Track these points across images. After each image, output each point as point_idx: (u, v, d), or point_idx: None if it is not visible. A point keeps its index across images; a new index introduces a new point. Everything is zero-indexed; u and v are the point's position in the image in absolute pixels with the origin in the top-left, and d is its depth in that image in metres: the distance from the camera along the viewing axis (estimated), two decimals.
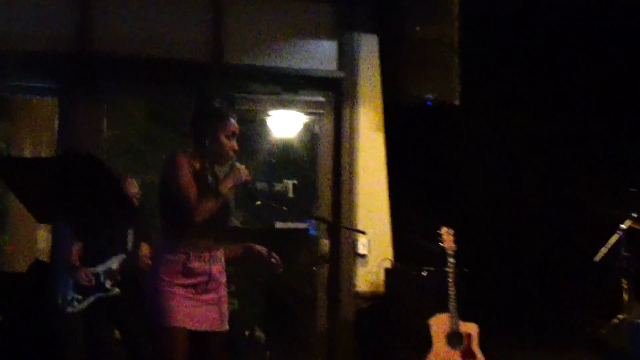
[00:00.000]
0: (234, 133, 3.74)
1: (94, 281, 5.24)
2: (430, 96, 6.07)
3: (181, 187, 3.53)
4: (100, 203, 3.54)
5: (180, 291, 3.59)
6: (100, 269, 5.27)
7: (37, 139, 7.42)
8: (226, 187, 3.62)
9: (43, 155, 7.12)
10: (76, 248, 5.33)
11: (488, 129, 6.30)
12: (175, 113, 7.41)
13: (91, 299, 5.24)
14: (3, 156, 6.97)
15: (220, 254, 3.74)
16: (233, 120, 3.77)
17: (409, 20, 6.08)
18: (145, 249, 5.29)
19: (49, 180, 3.47)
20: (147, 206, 5.63)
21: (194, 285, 3.63)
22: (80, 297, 5.22)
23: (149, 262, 5.09)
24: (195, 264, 3.62)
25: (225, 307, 3.72)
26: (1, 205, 7.75)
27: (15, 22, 6.04)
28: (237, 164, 3.68)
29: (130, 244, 5.36)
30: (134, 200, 5.33)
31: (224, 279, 3.75)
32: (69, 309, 5.20)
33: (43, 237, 7.16)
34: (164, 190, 3.60)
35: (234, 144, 3.72)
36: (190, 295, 3.61)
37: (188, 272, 3.61)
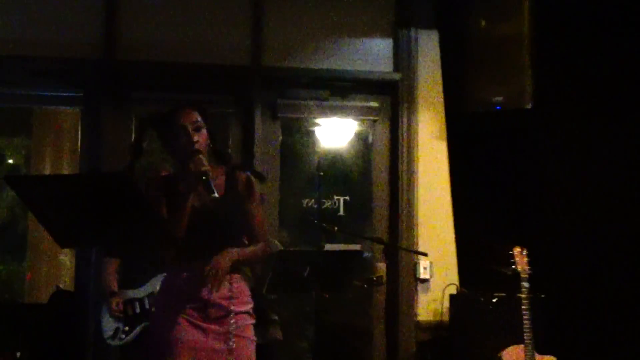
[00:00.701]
0: (183, 127, 3.64)
1: (138, 308, 5.24)
2: (498, 99, 6.02)
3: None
4: (133, 227, 3.49)
5: (176, 319, 3.58)
6: (142, 293, 5.29)
7: (58, 153, 7.48)
8: (187, 188, 3.54)
9: (64, 170, 7.15)
10: (113, 268, 5.34)
11: (565, 135, 6.19)
12: (211, 124, 7.36)
13: (137, 329, 5.24)
14: (22, 173, 7.05)
15: (228, 277, 3.65)
16: (180, 112, 3.68)
17: (474, 14, 6.04)
18: None
19: (74, 201, 3.40)
20: None
21: (190, 311, 3.59)
22: (127, 328, 5.23)
23: None
24: (187, 285, 3.60)
25: (243, 343, 3.61)
26: (20, 229, 7.85)
27: (36, 27, 6.12)
28: (196, 157, 3.59)
29: None
30: None
31: (240, 307, 3.65)
32: (115, 342, 5.20)
33: (65, 263, 7.21)
34: None
35: (189, 137, 3.62)
36: (189, 321, 3.57)
37: (181, 295, 3.61)
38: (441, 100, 6.48)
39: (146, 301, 5.26)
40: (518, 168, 6.30)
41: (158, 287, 5.15)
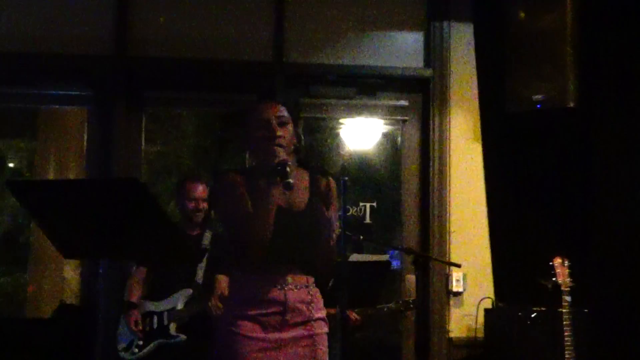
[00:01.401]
0: (266, 120, 3.58)
1: (155, 323, 5.26)
2: (539, 98, 5.96)
3: (227, 211, 3.55)
4: (147, 238, 3.49)
5: (249, 327, 3.49)
6: (162, 307, 5.30)
7: (63, 156, 7.51)
8: (268, 184, 3.46)
9: (70, 175, 7.19)
10: (139, 277, 5.40)
11: (612, 136, 6.14)
12: (229, 125, 7.41)
13: (152, 345, 5.27)
14: (23, 178, 7.09)
15: (303, 280, 3.59)
16: (265, 105, 3.64)
17: (512, 5, 6.01)
18: (222, 283, 5.25)
19: (80, 208, 3.40)
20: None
21: (266, 318, 3.51)
22: (141, 342, 5.26)
23: (220, 305, 5.09)
24: (264, 289, 3.52)
25: (321, 352, 3.57)
26: (21, 238, 7.89)
27: (43, 22, 6.16)
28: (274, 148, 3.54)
29: (200, 276, 5.37)
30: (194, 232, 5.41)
31: (318, 313, 3.61)
32: (128, 356, 5.24)
33: (70, 275, 7.24)
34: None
35: (272, 130, 3.56)
36: (261, 335, 3.50)
37: (255, 300, 3.52)
38: (476, 98, 6.45)
39: (165, 317, 5.29)
40: (560, 172, 6.26)
41: (181, 303, 5.24)
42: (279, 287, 3.54)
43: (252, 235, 3.45)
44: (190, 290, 5.31)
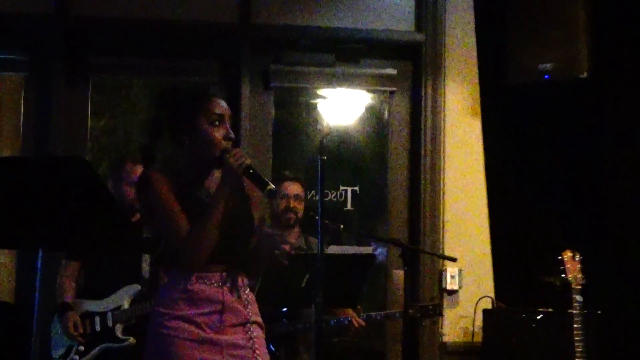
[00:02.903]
0: (221, 116, 3.73)
1: (98, 325, 5.26)
2: (547, 68, 6.01)
3: (162, 216, 3.67)
4: (91, 225, 3.51)
5: (183, 328, 3.61)
6: (104, 306, 5.30)
7: None
8: (222, 191, 3.65)
9: (3, 151, 7.14)
10: (70, 273, 5.37)
11: (630, 111, 6.16)
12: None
13: (95, 351, 5.26)
14: None
15: (241, 280, 3.75)
16: (216, 99, 3.79)
17: None
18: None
19: (14, 190, 3.40)
20: None
21: (202, 318, 3.62)
22: (82, 348, 5.25)
23: None
24: (200, 287, 3.65)
25: (261, 357, 3.70)
26: None
27: None
28: (231, 150, 3.69)
29: (146, 269, 5.40)
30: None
31: (255, 317, 3.75)
32: None
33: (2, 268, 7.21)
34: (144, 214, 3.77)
35: (223, 131, 3.72)
36: (199, 336, 3.61)
37: (191, 299, 3.64)
38: (475, 67, 6.48)
39: (109, 317, 5.28)
40: (570, 153, 6.31)
41: (127, 301, 5.24)
42: (216, 285, 3.68)
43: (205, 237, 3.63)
44: (138, 287, 5.31)
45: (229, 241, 3.69)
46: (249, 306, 3.74)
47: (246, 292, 3.76)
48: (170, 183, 3.68)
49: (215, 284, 3.67)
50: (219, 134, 3.69)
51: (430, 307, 5.66)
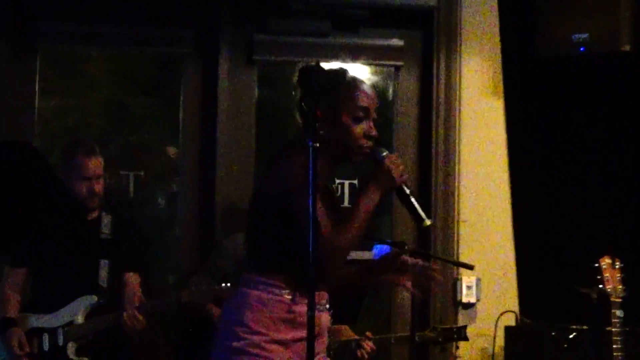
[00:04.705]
0: (366, 110, 3.81)
1: (47, 344, 5.27)
2: (582, 39, 6.03)
3: (303, 209, 3.59)
4: (35, 224, 3.51)
5: (280, 354, 3.68)
6: (54, 322, 5.31)
7: None
8: (374, 194, 3.79)
9: None
10: (13, 283, 5.40)
11: None
12: (158, 71, 7.38)
13: None
14: None
15: (325, 298, 3.83)
16: (365, 89, 3.86)
17: None
18: (136, 285, 5.36)
19: None
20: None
21: (299, 345, 3.68)
22: None
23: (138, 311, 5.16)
24: (304, 308, 3.61)
25: None
26: None
27: None
28: (388, 155, 3.82)
29: (104, 277, 5.41)
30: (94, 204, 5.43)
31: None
32: None
33: None
34: (271, 205, 3.76)
35: (368, 126, 3.81)
36: None
37: (294, 321, 3.71)
38: (497, 38, 6.51)
39: (60, 335, 5.30)
40: (610, 138, 6.32)
41: (81, 316, 5.27)
42: (321, 308, 3.78)
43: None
44: (94, 298, 5.34)
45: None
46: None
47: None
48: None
49: (319, 306, 3.73)
50: (360, 129, 3.79)
51: (455, 329, 5.68)
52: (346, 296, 4.58)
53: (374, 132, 3.81)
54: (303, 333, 3.59)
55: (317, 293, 3.61)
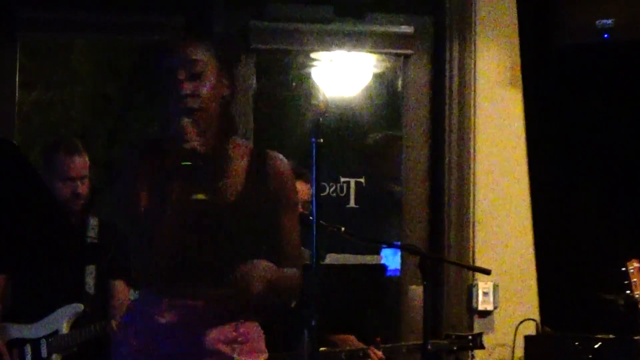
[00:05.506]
0: (170, 71, 3.68)
1: (29, 354, 5.31)
2: (607, 25, 6.06)
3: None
4: (15, 226, 3.51)
5: None
6: (37, 332, 5.33)
7: None
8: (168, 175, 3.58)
9: None
10: None
11: None
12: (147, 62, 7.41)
13: None
14: None
15: (216, 308, 3.69)
16: (171, 47, 3.75)
17: None
18: (122, 288, 5.38)
19: None
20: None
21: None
22: None
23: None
24: (167, 318, 3.65)
25: None
26: None
27: None
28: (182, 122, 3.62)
29: (92, 284, 5.40)
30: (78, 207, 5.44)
31: (243, 356, 3.75)
32: None
33: None
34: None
35: (178, 87, 3.65)
36: None
37: (159, 332, 3.66)
38: (515, 24, 6.52)
39: (43, 346, 5.32)
40: (637, 131, 6.34)
41: (65, 325, 5.28)
42: (182, 313, 3.69)
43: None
44: (80, 306, 5.34)
45: (204, 258, 3.72)
46: (239, 343, 3.79)
47: (239, 325, 3.81)
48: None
49: (182, 314, 3.74)
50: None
51: (470, 337, 5.68)
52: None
53: (180, 99, 3.67)
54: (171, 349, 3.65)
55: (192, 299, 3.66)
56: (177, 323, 3.66)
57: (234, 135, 3.85)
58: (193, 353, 3.66)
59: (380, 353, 5.45)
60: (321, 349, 5.05)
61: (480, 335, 5.73)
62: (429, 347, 5.45)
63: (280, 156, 3.85)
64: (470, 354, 6.16)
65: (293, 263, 3.82)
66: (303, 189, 5.34)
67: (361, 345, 5.45)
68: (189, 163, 3.55)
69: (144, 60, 7.59)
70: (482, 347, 5.77)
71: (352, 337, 5.48)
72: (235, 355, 3.72)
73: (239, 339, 3.74)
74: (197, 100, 3.64)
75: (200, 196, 3.60)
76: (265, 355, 3.85)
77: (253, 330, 3.82)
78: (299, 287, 3.85)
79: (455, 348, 5.58)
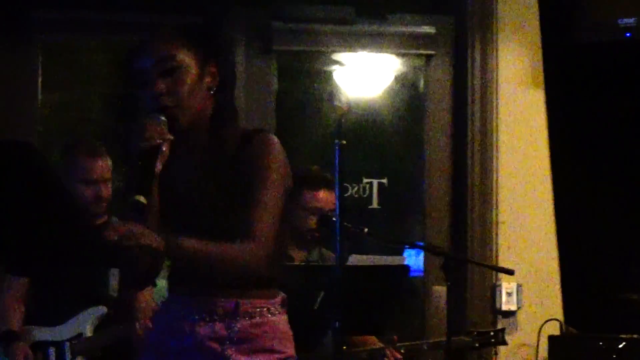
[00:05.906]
0: (140, 71, 3.61)
1: (53, 357, 5.29)
2: (629, 23, 6.07)
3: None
4: (37, 230, 3.49)
5: None
6: (60, 334, 5.32)
7: None
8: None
9: None
10: (15, 295, 5.38)
11: None
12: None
13: None
14: None
15: (226, 305, 3.61)
16: (145, 44, 3.66)
17: None
18: (146, 291, 5.32)
19: None
20: None
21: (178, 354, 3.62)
22: None
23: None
24: (174, 315, 3.64)
25: None
26: None
27: None
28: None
29: (114, 286, 5.42)
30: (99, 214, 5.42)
31: (237, 356, 3.62)
32: None
33: None
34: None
35: (150, 86, 3.56)
36: None
37: (170, 329, 3.66)
38: (536, 23, 6.53)
39: (67, 349, 5.31)
40: None
41: (89, 328, 5.28)
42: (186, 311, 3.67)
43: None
44: (103, 309, 5.34)
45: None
46: (234, 342, 3.70)
47: (236, 321, 3.72)
48: None
49: (186, 312, 3.74)
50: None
51: (492, 333, 5.67)
52: None
53: (153, 98, 3.57)
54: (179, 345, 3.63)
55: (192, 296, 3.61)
56: (174, 317, 3.65)
57: (233, 124, 3.69)
58: (187, 348, 3.62)
59: (397, 354, 5.43)
60: None
61: (502, 330, 5.72)
62: (454, 344, 5.46)
63: (271, 135, 3.66)
64: (493, 351, 6.17)
65: (257, 244, 3.55)
66: (327, 198, 5.34)
67: (380, 344, 5.45)
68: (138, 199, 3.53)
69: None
70: (504, 342, 5.76)
71: (372, 338, 5.47)
72: (227, 353, 3.62)
73: (233, 337, 3.63)
74: (174, 98, 3.54)
75: (140, 198, 3.49)
76: (281, 355, 3.72)
77: (260, 329, 3.69)
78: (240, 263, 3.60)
79: (477, 345, 5.56)
